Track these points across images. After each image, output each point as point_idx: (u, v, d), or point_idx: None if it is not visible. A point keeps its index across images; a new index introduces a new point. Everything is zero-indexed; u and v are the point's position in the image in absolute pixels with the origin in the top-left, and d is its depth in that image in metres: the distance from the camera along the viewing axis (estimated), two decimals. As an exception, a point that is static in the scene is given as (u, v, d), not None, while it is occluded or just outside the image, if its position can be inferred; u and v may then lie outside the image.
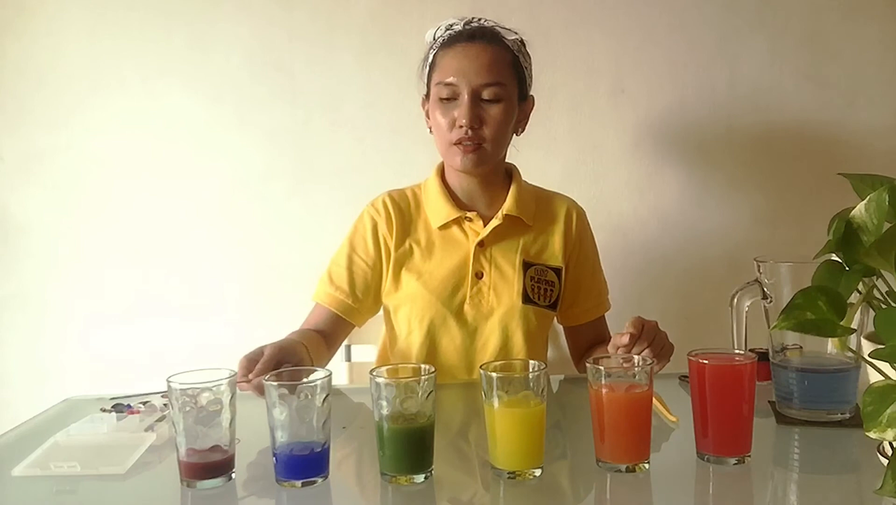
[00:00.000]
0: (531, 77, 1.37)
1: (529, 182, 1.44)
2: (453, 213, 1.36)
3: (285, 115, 1.78)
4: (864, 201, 0.81)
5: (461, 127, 1.27)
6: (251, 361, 1.06)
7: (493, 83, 1.28)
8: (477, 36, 1.30)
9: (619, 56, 1.78)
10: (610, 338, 1.45)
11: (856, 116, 1.78)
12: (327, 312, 1.36)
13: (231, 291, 1.82)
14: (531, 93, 1.38)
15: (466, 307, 1.33)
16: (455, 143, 1.29)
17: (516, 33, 1.33)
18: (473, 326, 1.33)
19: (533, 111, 1.39)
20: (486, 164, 1.32)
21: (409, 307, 1.34)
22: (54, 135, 1.79)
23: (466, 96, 1.27)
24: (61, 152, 1.79)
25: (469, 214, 1.35)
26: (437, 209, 1.37)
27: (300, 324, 1.38)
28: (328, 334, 1.34)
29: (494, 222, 1.35)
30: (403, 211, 1.39)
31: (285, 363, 1.07)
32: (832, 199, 0.91)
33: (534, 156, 1.51)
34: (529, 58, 1.36)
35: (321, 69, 1.77)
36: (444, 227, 1.37)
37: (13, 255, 1.82)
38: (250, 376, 1.04)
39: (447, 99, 1.29)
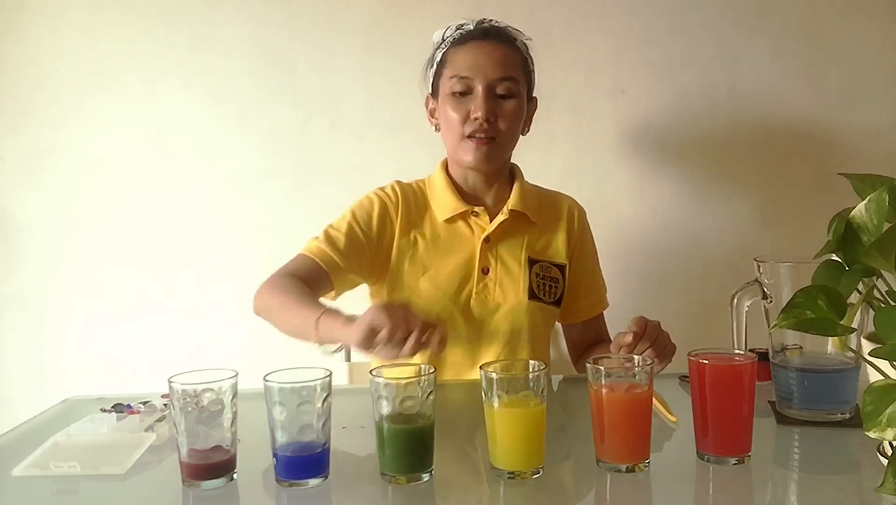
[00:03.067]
0: (535, 79, 1.39)
1: (530, 181, 1.44)
2: (460, 207, 1.36)
3: (285, 115, 1.78)
4: (864, 201, 0.81)
5: (476, 119, 1.28)
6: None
7: (507, 78, 1.29)
8: (490, 34, 1.32)
9: (619, 56, 1.78)
10: (608, 336, 1.46)
11: (856, 116, 1.79)
12: (311, 261, 1.30)
13: (231, 291, 1.82)
14: (534, 95, 1.39)
15: (473, 303, 1.33)
16: (468, 137, 1.30)
17: (524, 35, 1.36)
18: (479, 321, 1.33)
19: (535, 112, 1.40)
20: (496, 161, 1.33)
21: (414, 302, 1.33)
22: (54, 135, 1.79)
23: (481, 90, 1.28)
24: (61, 152, 1.79)
25: (476, 209, 1.36)
26: (443, 203, 1.37)
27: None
28: (306, 283, 1.27)
29: (500, 217, 1.35)
30: (410, 201, 1.39)
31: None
32: (832, 199, 0.91)
33: (534, 156, 1.51)
34: (533, 60, 1.38)
35: (321, 69, 1.77)
36: (451, 221, 1.37)
37: (13, 255, 1.82)
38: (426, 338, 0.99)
39: (461, 93, 1.30)
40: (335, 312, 1.10)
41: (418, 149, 1.70)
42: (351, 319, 1.05)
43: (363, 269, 1.35)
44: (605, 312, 1.48)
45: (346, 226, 1.34)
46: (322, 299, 1.26)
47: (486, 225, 1.36)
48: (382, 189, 1.40)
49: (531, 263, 1.36)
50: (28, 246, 1.82)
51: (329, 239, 1.32)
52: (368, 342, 0.99)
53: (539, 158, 1.70)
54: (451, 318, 1.32)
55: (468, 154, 1.31)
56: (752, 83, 1.78)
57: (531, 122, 1.40)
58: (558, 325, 1.50)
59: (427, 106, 1.39)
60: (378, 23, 1.76)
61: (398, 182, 1.41)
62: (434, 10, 1.70)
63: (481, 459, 0.94)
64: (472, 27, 1.33)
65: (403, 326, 0.98)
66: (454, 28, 1.34)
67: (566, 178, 1.77)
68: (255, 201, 1.80)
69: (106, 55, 1.77)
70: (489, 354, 1.32)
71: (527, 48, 1.36)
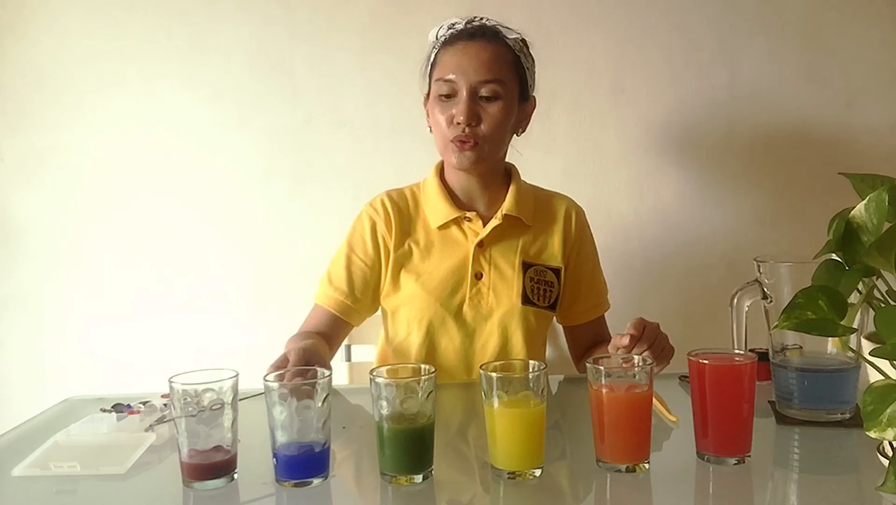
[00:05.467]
0: (533, 78, 1.37)
1: (529, 182, 1.44)
2: (452, 213, 1.35)
3: (285, 115, 1.78)
4: (864, 201, 0.81)
5: (458, 124, 1.27)
6: (278, 369, 1.05)
7: (491, 80, 1.27)
8: (478, 34, 1.30)
9: (619, 56, 1.78)
10: (610, 337, 1.46)
11: (856, 116, 1.79)
12: (326, 312, 1.36)
13: (231, 291, 1.82)
14: (533, 94, 1.38)
15: (465, 308, 1.33)
16: (452, 141, 1.29)
17: (518, 33, 1.33)
18: (472, 326, 1.33)
19: (534, 111, 1.39)
20: (483, 163, 1.32)
21: (408, 308, 1.34)
22: (54, 135, 1.79)
23: (465, 93, 1.27)
24: (61, 152, 1.79)
25: (468, 214, 1.35)
26: (436, 209, 1.37)
27: (299, 323, 1.37)
28: (328, 335, 1.34)
29: (494, 222, 1.35)
30: (402, 211, 1.39)
31: (314, 365, 1.06)
32: (832, 200, 0.91)
33: (534, 156, 1.51)
34: (532, 59, 1.36)
35: (321, 69, 1.77)
36: (444, 227, 1.36)
37: (13, 255, 1.82)
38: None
39: (446, 96, 1.29)
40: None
41: (418, 149, 1.70)
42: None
43: (374, 294, 1.38)
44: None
45: (346, 261, 1.37)
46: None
47: (479, 230, 1.35)
48: (372, 206, 1.40)
49: (525, 266, 1.35)
50: (28, 246, 1.82)
51: (334, 282, 1.37)
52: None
53: (539, 158, 1.70)
54: (444, 323, 1.32)
55: (453, 157, 1.30)
56: (752, 83, 1.78)
57: (527, 121, 1.38)
58: (559, 325, 1.50)
59: (425, 106, 1.39)
60: (378, 22, 1.76)
61: (388, 194, 1.41)
62: (434, 10, 1.70)
63: (481, 458, 0.94)
64: (461, 26, 1.32)
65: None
66: (446, 27, 1.33)
67: (566, 179, 1.77)
68: (255, 201, 1.81)
69: (106, 55, 1.77)
70: (483, 359, 1.32)
71: (521, 46, 1.33)
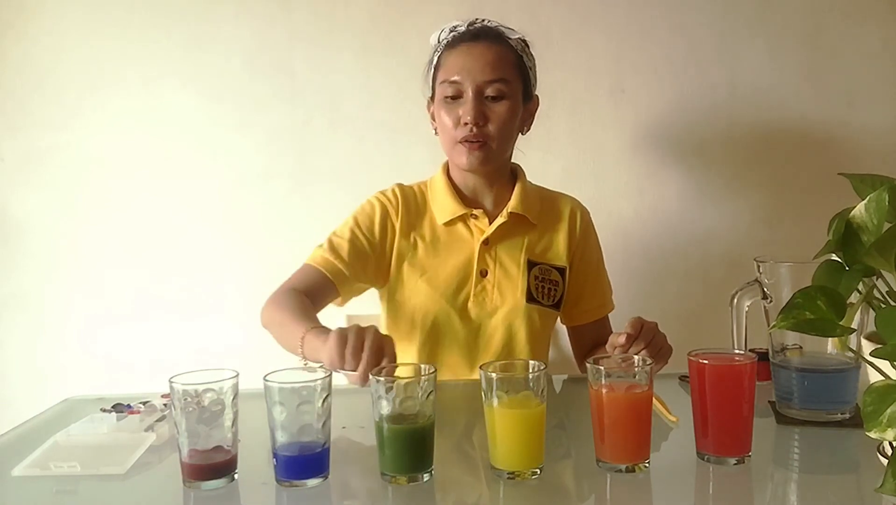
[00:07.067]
0: (535, 77, 1.38)
1: (532, 182, 1.44)
2: (459, 210, 1.36)
3: (285, 115, 1.78)
4: (864, 201, 0.81)
5: (466, 124, 1.28)
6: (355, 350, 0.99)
7: (497, 80, 1.28)
8: (481, 35, 1.31)
9: (619, 56, 1.78)
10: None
11: (856, 116, 1.79)
12: (316, 271, 1.31)
13: (231, 292, 1.82)
14: (535, 93, 1.39)
15: (470, 305, 1.33)
16: (460, 142, 1.30)
17: (519, 33, 1.34)
18: (477, 323, 1.34)
19: (537, 110, 1.40)
20: (491, 163, 1.33)
21: (412, 304, 1.34)
22: (54, 135, 1.79)
23: (471, 94, 1.28)
24: (61, 152, 1.79)
25: (475, 212, 1.36)
26: (442, 206, 1.38)
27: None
28: (312, 294, 1.29)
29: (500, 220, 1.35)
30: (411, 203, 1.40)
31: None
32: (832, 200, 0.91)
33: (534, 156, 1.51)
34: (533, 58, 1.37)
35: (321, 69, 1.77)
36: (450, 223, 1.37)
37: (13, 255, 1.82)
38: (359, 369, 0.97)
39: (452, 98, 1.30)
40: (320, 329, 1.09)
41: (418, 149, 1.70)
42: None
43: (368, 275, 1.36)
44: (604, 312, 1.48)
45: (349, 233, 1.35)
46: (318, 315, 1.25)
47: (485, 227, 1.36)
48: (383, 193, 1.40)
49: (530, 265, 1.36)
50: (28, 246, 1.82)
51: (333, 247, 1.33)
52: (338, 356, 0.99)
53: (539, 159, 1.70)
54: (449, 320, 1.33)
55: (461, 158, 1.31)
56: (752, 83, 1.78)
57: (532, 120, 1.39)
58: (561, 325, 1.50)
59: (429, 109, 1.39)
60: (378, 22, 1.76)
61: (399, 185, 1.42)
62: (434, 10, 1.70)
63: (481, 458, 0.94)
64: (463, 28, 1.33)
65: (361, 341, 0.98)
66: (448, 30, 1.34)
67: (566, 179, 1.77)
68: (256, 201, 1.81)
69: (106, 55, 1.77)
70: (487, 356, 1.32)
71: (523, 46, 1.34)
